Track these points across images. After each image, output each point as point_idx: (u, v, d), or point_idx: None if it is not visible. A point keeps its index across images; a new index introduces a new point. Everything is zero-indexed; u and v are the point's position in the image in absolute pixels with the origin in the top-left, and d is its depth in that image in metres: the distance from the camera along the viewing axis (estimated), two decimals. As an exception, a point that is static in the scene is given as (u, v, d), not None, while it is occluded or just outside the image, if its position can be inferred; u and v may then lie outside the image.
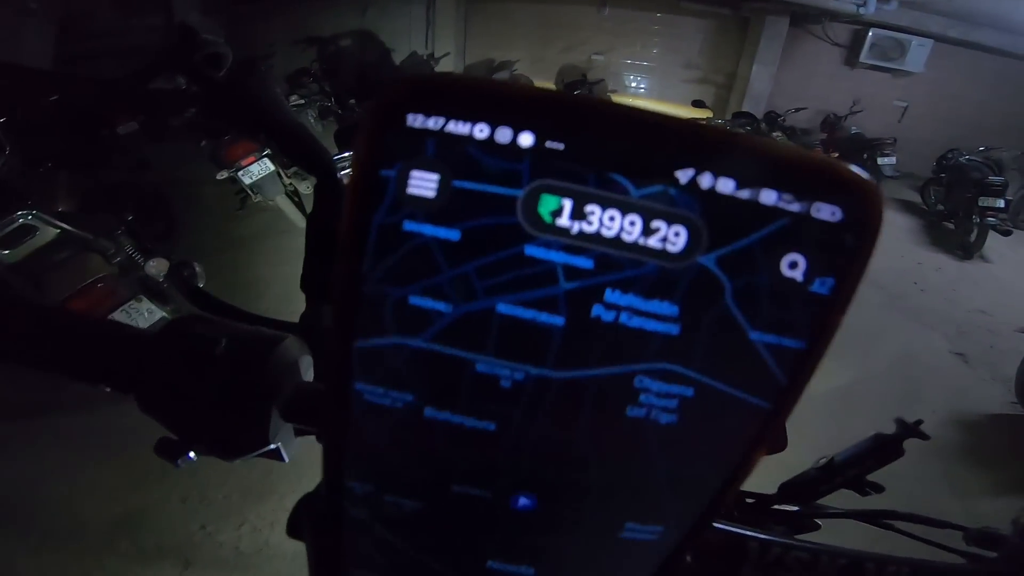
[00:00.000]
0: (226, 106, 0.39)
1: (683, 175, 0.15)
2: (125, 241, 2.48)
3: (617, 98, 7.31)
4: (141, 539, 2.11)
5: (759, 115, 6.53)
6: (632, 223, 0.15)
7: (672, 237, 0.16)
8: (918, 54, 7.02)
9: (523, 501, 0.21)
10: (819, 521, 0.48)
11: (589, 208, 0.15)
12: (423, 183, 0.15)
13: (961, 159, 5.82)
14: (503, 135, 0.15)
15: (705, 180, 0.15)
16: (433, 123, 0.15)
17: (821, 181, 0.16)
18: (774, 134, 6.00)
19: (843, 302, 0.17)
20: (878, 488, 0.50)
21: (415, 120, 0.15)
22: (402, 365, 0.18)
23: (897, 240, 5.62)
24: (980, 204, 5.06)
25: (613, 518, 0.21)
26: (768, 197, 0.15)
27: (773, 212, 0.15)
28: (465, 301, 0.16)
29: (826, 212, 0.16)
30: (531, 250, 0.16)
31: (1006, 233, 5.00)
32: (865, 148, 6.49)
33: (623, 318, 0.17)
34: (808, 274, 0.16)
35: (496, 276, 0.16)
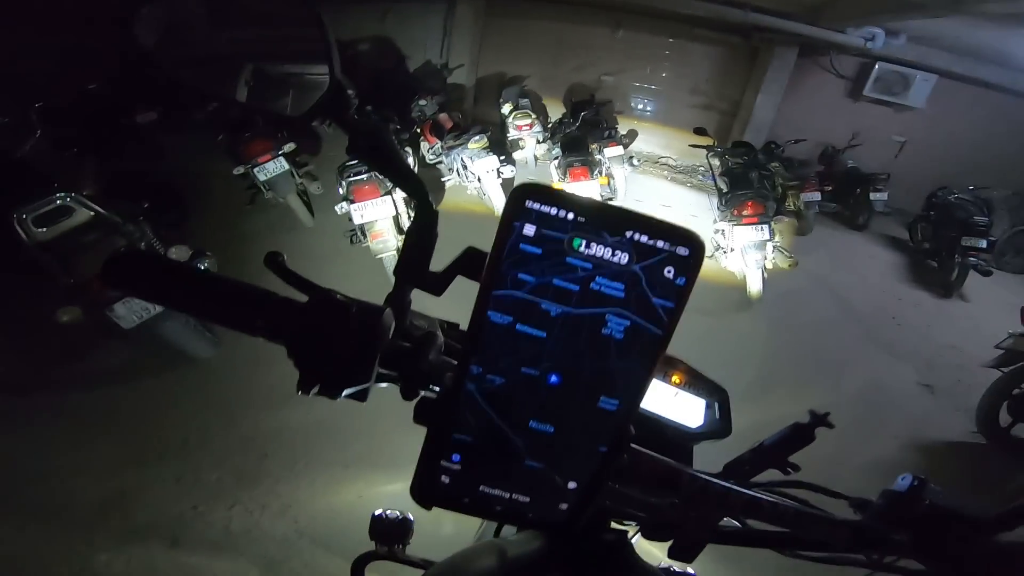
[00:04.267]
0: (365, 148, 0.56)
1: (627, 233, 0.36)
2: (146, 227, 2.63)
3: (623, 120, 7.47)
4: (132, 516, 2.16)
5: (759, 144, 6.62)
6: (608, 250, 0.36)
7: (622, 257, 0.36)
8: (921, 89, 7.06)
9: (554, 379, 0.40)
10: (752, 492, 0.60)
11: (591, 244, 0.36)
12: (529, 229, 0.35)
13: (950, 197, 5.89)
14: (562, 213, 0.35)
15: (636, 236, 0.36)
16: (536, 205, 0.35)
17: (681, 237, 0.36)
18: (771, 165, 6.08)
19: (688, 289, 0.37)
20: (795, 467, 0.64)
21: (530, 204, 0.35)
22: (511, 303, 0.37)
23: (881, 276, 5.74)
24: (963, 244, 5.17)
25: (596, 392, 0.40)
26: (660, 243, 0.36)
27: (661, 249, 0.36)
28: (540, 277, 0.36)
29: (682, 250, 0.36)
30: (568, 259, 0.36)
31: (986, 274, 5.10)
32: (859, 183, 6.60)
33: (602, 288, 0.37)
34: (675, 275, 0.37)
35: (553, 268, 0.36)
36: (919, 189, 6.59)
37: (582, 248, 0.36)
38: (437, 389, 0.50)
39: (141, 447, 2.42)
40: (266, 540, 2.12)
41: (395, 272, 0.52)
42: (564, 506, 0.45)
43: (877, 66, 7.09)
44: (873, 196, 6.29)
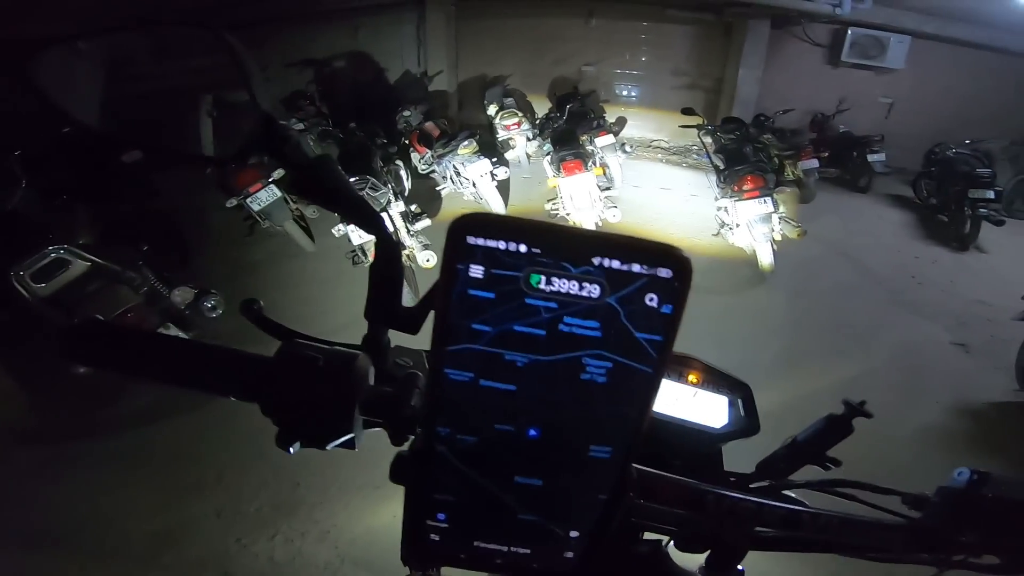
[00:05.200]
0: (308, 185, 0.51)
1: (595, 260, 0.29)
2: (147, 271, 2.54)
3: (609, 108, 7.42)
4: (183, 553, 2.20)
5: (748, 118, 6.61)
6: (574, 284, 0.30)
7: (593, 289, 0.30)
8: (898, 50, 7.13)
9: (532, 432, 0.35)
10: (790, 493, 0.56)
11: (553, 279, 0.30)
12: (476, 271, 0.29)
13: (949, 152, 5.92)
14: (512, 246, 0.29)
15: (606, 262, 0.29)
16: (480, 241, 0.29)
17: (660, 256, 0.30)
18: (764, 137, 6.07)
19: (678, 316, 0.31)
20: (836, 462, 0.59)
21: (472, 240, 0.29)
22: (469, 358, 0.32)
23: (893, 236, 5.72)
24: (971, 196, 5.17)
25: (584, 441, 0.36)
26: (636, 267, 0.30)
27: (639, 275, 0.30)
28: (498, 325, 0.31)
29: (664, 272, 0.30)
30: (528, 300, 0.30)
31: (999, 223, 5.10)
32: (854, 146, 6.63)
33: (574, 329, 0.31)
34: (659, 303, 0.30)
35: (512, 313, 0.30)
36: (915, 147, 6.63)
37: (542, 285, 0.30)
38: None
39: (179, 484, 2.47)
40: (310, 567, 2.17)
41: (365, 314, 0.49)
42: (569, 555, 0.41)
43: (850, 31, 7.19)
44: (871, 157, 6.33)
